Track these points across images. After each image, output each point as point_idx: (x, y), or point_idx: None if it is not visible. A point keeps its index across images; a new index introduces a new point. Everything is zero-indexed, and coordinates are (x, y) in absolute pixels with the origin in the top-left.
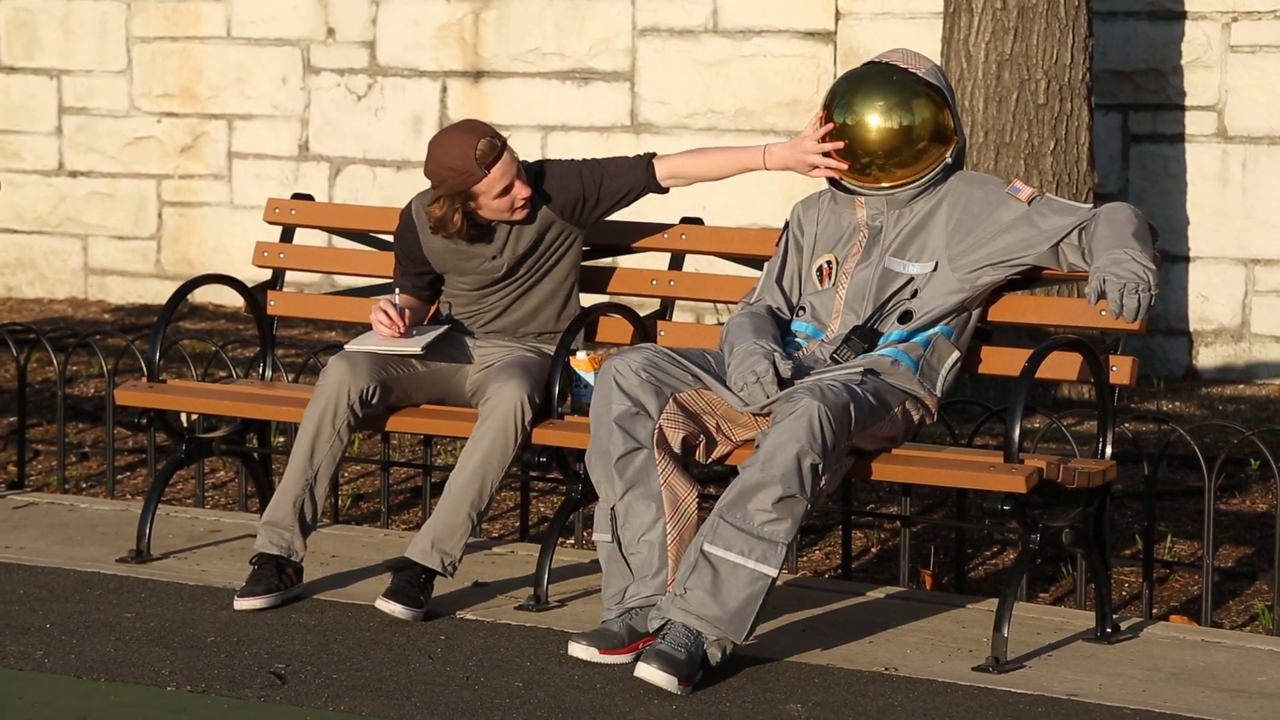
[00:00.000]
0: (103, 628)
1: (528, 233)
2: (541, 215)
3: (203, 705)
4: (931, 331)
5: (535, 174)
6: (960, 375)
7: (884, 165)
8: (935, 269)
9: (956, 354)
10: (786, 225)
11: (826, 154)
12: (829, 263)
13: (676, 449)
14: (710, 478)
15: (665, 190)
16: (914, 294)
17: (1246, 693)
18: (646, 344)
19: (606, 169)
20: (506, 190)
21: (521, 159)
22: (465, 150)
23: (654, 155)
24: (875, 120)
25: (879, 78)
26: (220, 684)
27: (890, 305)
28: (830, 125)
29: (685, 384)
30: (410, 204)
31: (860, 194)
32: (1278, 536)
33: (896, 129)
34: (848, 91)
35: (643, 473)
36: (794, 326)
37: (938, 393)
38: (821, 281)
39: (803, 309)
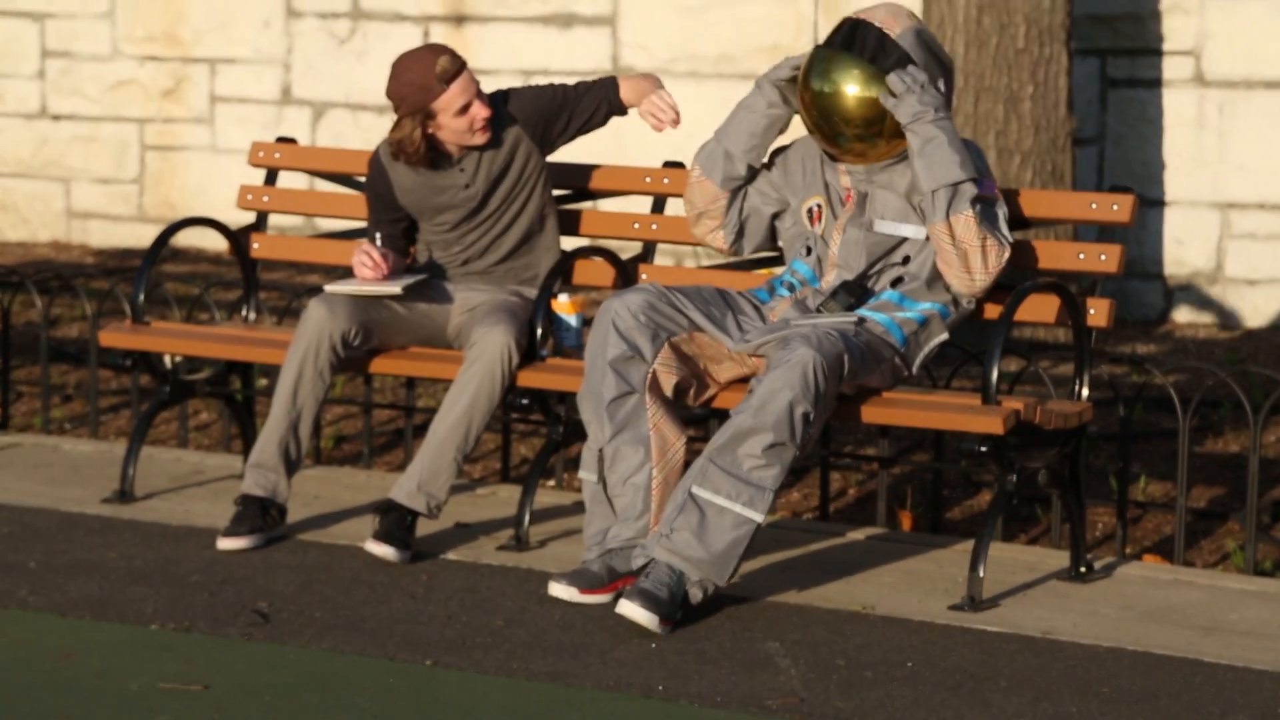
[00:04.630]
0: (86, 567)
1: (498, 157)
2: (510, 136)
3: (186, 643)
4: (928, 308)
5: (501, 98)
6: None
7: (863, 136)
8: (929, 238)
9: (945, 336)
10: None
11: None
12: (818, 205)
13: (669, 394)
14: (690, 420)
15: (625, 111)
16: (905, 259)
17: (1218, 630)
18: (646, 284)
19: (577, 88)
20: (465, 108)
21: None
22: (426, 67)
23: (615, 78)
24: (853, 89)
25: (858, 51)
26: (203, 622)
27: (882, 266)
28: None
29: (680, 327)
30: (377, 149)
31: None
32: (1249, 477)
33: (875, 98)
34: (827, 59)
35: (633, 417)
36: (795, 265)
37: (913, 370)
38: (812, 223)
39: (808, 249)
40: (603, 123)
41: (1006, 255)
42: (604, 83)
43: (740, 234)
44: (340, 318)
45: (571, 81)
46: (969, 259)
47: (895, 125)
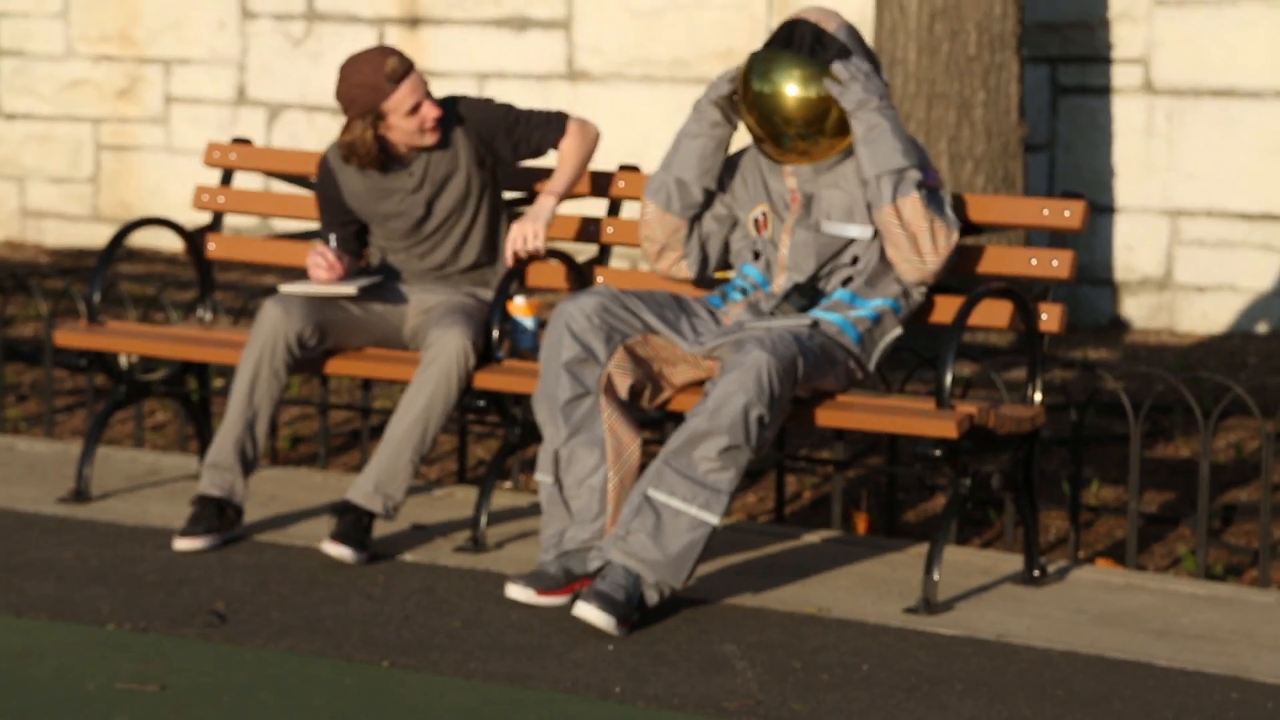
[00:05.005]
0: (42, 567)
1: (444, 162)
2: (458, 141)
3: (143, 644)
4: (879, 304)
5: (451, 103)
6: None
7: (805, 134)
8: (875, 236)
9: (899, 330)
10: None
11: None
12: (764, 214)
13: (624, 396)
14: (646, 422)
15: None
16: (854, 260)
17: (1170, 634)
18: (599, 287)
19: (530, 118)
20: (416, 109)
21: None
22: (375, 67)
23: (566, 118)
24: (793, 89)
25: (796, 47)
26: (160, 623)
27: (832, 268)
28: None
29: (634, 329)
30: (325, 153)
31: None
32: (1200, 482)
33: (815, 97)
34: (765, 60)
35: (588, 419)
36: (744, 269)
37: (870, 367)
38: (758, 231)
39: (757, 254)
40: (542, 155)
41: (955, 237)
42: (554, 122)
43: (704, 261)
44: (295, 318)
45: (526, 87)
46: (918, 242)
47: (837, 122)
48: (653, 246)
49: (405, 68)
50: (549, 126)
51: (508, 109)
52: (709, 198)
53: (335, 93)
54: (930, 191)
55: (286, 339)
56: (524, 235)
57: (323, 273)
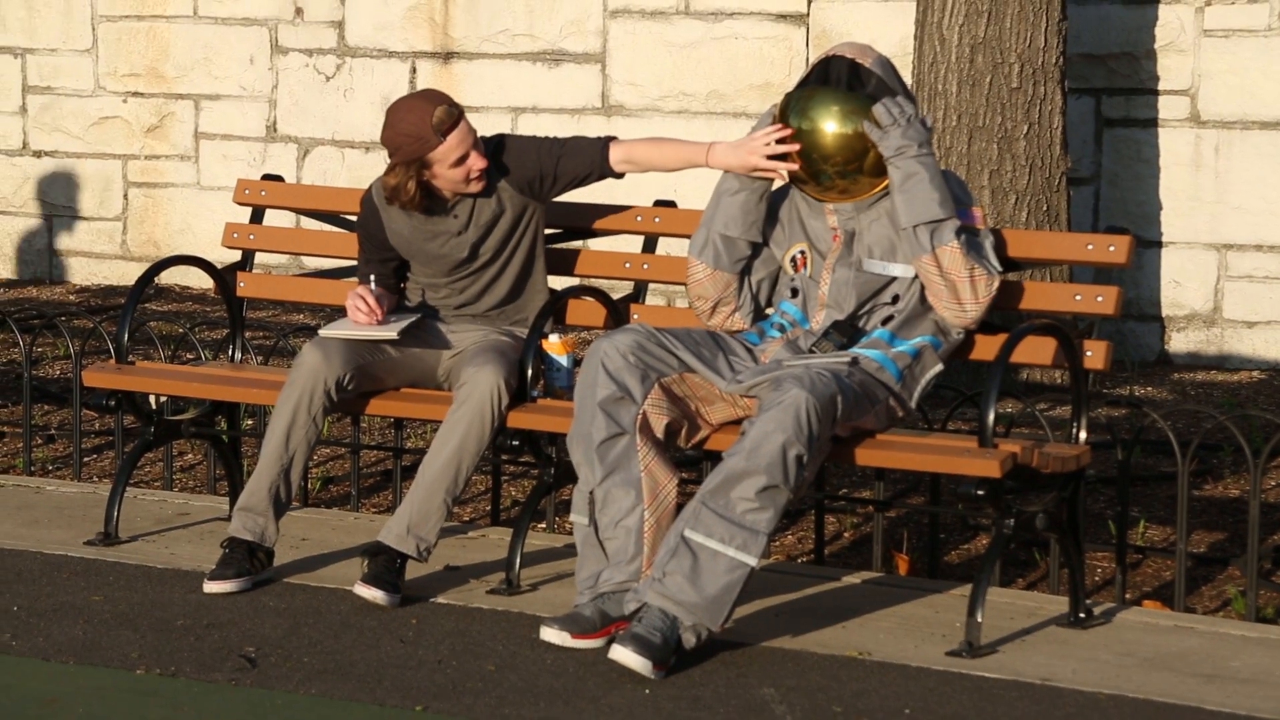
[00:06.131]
0: (71, 610)
1: (489, 207)
2: (500, 189)
3: (172, 688)
4: (919, 341)
5: (493, 148)
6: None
7: (844, 173)
8: (916, 276)
9: (940, 367)
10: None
11: (781, 158)
12: (802, 252)
13: (660, 435)
14: (683, 462)
15: (620, 175)
16: (894, 299)
17: (1220, 678)
18: (635, 325)
19: (565, 148)
20: (462, 160)
21: (483, 135)
22: (422, 117)
23: (613, 139)
24: (832, 126)
25: (835, 85)
26: (190, 667)
27: (872, 307)
28: (787, 131)
29: (671, 368)
30: (370, 188)
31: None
32: (1250, 522)
33: (853, 134)
34: (803, 97)
35: (624, 458)
36: (783, 307)
37: (912, 404)
38: (796, 270)
39: (795, 291)
40: (595, 181)
41: (996, 284)
42: (593, 146)
43: (756, 309)
44: (335, 363)
45: (560, 121)
46: (958, 291)
47: (875, 162)
48: (706, 305)
49: (453, 119)
50: (596, 143)
51: (544, 145)
52: (755, 249)
53: (381, 137)
54: (969, 234)
55: (325, 385)
56: (765, 140)
57: (362, 317)
